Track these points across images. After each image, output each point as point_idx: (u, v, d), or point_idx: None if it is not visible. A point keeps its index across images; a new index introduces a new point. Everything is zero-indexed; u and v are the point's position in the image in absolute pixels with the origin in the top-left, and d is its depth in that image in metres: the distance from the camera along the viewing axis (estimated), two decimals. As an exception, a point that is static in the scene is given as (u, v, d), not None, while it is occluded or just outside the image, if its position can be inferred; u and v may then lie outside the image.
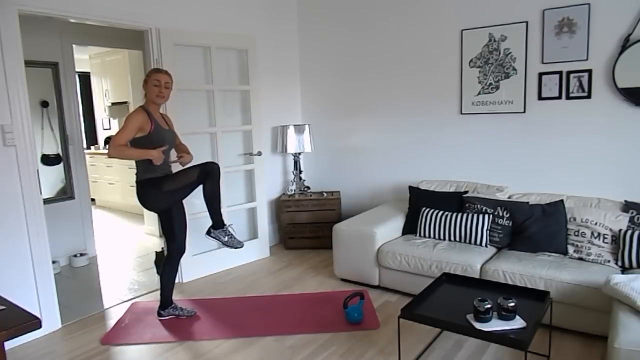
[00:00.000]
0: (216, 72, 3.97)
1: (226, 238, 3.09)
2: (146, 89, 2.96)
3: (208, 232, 3.11)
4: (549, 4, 3.36)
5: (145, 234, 5.60)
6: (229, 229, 3.12)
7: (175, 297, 3.56)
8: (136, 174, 2.98)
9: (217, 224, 3.10)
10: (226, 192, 4.14)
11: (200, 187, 3.02)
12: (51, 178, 4.36)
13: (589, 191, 3.33)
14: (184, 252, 3.18)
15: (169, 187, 2.94)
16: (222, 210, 3.14)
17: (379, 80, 4.36)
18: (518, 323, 2.11)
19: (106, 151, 7.29)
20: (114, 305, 3.48)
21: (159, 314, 3.19)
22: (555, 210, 3.14)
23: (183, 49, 3.77)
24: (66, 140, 4.43)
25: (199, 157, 4.00)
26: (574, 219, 3.06)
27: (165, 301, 3.18)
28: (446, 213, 3.49)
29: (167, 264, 3.15)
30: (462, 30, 3.79)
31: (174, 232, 3.10)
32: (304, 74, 4.91)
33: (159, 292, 3.74)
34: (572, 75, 3.33)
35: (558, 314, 2.67)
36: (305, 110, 4.98)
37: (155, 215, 5.39)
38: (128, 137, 2.79)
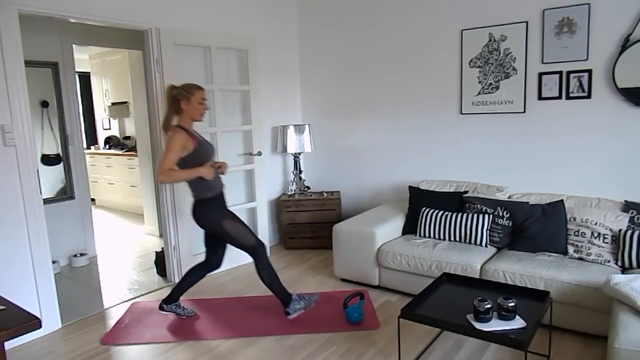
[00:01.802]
0: (216, 72, 3.97)
1: (302, 303, 3.05)
2: (187, 106, 2.86)
3: (287, 314, 3.04)
4: (549, 4, 3.36)
5: (145, 234, 5.59)
6: (296, 296, 3.07)
7: (175, 297, 3.57)
8: (192, 193, 2.94)
9: (286, 301, 3.03)
10: (226, 192, 4.14)
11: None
12: (51, 178, 4.36)
13: (589, 191, 3.33)
14: (263, 246, 3.02)
15: (226, 227, 2.92)
16: (282, 285, 3.06)
17: (379, 80, 4.36)
18: (518, 323, 2.11)
19: (106, 151, 7.36)
20: (114, 305, 3.48)
21: (161, 307, 3.17)
22: (555, 210, 3.14)
23: (183, 49, 3.77)
24: (66, 140, 4.43)
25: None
26: (574, 219, 3.06)
27: (174, 297, 3.15)
28: (446, 213, 3.49)
29: (261, 268, 3.01)
30: (462, 30, 3.79)
31: (215, 248, 3.09)
32: (304, 73, 4.91)
33: (159, 292, 3.75)
34: (572, 75, 3.33)
35: (558, 314, 2.67)
36: (305, 110, 4.98)
37: (155, 215, 5.42)
38: (173, 159, 2.75)
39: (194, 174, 2.80)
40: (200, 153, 2.87)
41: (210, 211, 2.94)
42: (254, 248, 2.96)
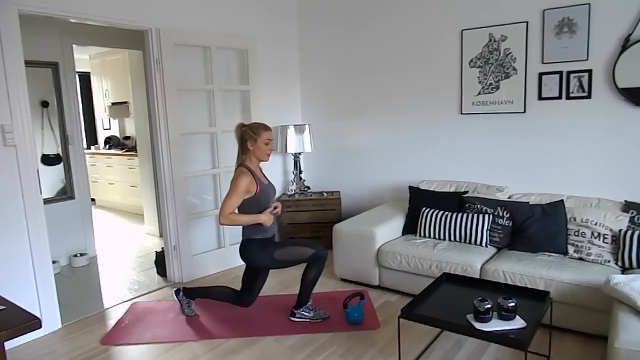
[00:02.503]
0: (216, 72, 3.97)
1: (311, 313, 3.05)
2: (253, 146, 2.87)
3: (292, 314, 3.07)
4: (549, 4, 3.36)
5: (145, 234, 5.59)
6: (311, 304, 3.08)
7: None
8: (243, 232, 2.96)
9: (301, 305, 3.06)
10: (226, 192, 4.15)
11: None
12: (51, 178, 4.36)
13: (589, 191, 3.32)
14: (323, 252, 2.99)
15: (280, 257, 2.93)
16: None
17: (379, 80, 4.36)
18: (518, 323, 2.11)
19: (106, 151, 7.36)
20: (114, 305, 3.47)
21: (177, 292, 3.19)
22: (555, 210, 3.14)
23: (183, 49, 3.77)
24: (66, 140, 4.43)
25: (200, 156, 4.01)
26: (574, 219, 3.05)
27: (193, 294, 3.17)
28: (446, 213, 3.49)
29: (312, 268, 2.99)
30: (462, 30, 3.79)
31: (253, 287, 3.09)
32: (304, 73, 4.90)
33: (159, 292, 3.76)
34: (572, 75, 3.33)
35: (558, 314, 2.67)
36: (305, 110, 4.97)
37: (155, 215, 5.42)
38: (236, 203, 2.78)
39: (254, 220, 2.83)
40: (261, 198, 2.88)
41: (258, 251, 2.94)
42: (313, 257, 2.94)
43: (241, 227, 2.98)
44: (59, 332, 3.07)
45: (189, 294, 3.17)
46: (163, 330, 3.03)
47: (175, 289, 3.22)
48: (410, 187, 3.90)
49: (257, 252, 2.94)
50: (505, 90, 3.64)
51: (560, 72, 3.38)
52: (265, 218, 2.85)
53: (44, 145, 4.30)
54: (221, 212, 2.76)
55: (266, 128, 2.92)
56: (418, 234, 3.58)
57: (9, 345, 2.12)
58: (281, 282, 3.78)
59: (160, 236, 5.21)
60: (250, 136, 2.87)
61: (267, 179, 3.07)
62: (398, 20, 4.15)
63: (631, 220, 2.97)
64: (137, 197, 6.42)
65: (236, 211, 2.84)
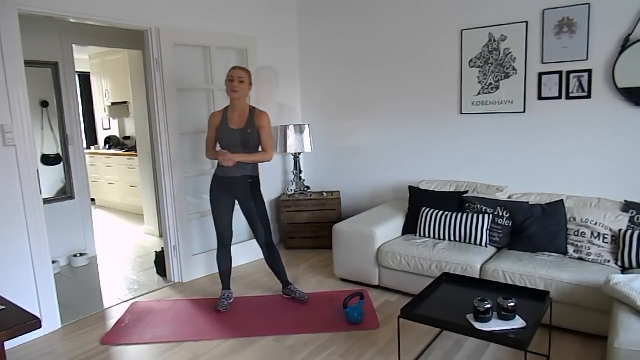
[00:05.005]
0: (216, 72, 3.98)
1: (223, 303, 3.31)
2: None
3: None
4: (549, 4, 3.36)
5: (145, 234, 5.59)
6: (225, 294, 3.38)
7: (175, 297, 3.58)
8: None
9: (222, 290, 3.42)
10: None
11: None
12: (51, 178, 4.36)
13: (589, 191, 3.33)
14: (220, 243, 3.37)
15: (211, 202, 3.31)
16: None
17: (379, 80, 4.36)
18: (518, 323, 2.11)
19: (106, 151, 7.37)
20: (114, 305, 3.47)
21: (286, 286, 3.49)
22: (555, 210, 3.14)
23: (183, 49, 3.77)
24: (66, 140, 4.43)
25: (200, 156, 4.01)
26: (574, 219, 3.06)
27: (284, 282, 3.49)
28: (446, 213, 3.49)
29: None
30: (462, 30, 3.79)
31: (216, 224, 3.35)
32: (304, 73, 4.90)
33: (158, 292, 3.76)
34: (572, 75, 3.33)
35: (558, 314, 2.67)
36: (305, 110, 4.97)
37: (155, 215, 5.43)
38: (209, 137, 3.23)
39: (213, 156, 3.23)
40: (217, 135, 3.20)
41: (211, 185, 3.29)
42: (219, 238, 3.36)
43: None
44: (59, 332, 3.07)
45: (286, 284, 3.44)
46: (163, 330, 3.03)
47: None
48: (410, 187, 3.90)
49: (211, 185, 3.29)
50: (505, 90, 3.64)
51: (560, 72, 3.38)
52: (217, 155, 3.12)
53: (44, 145, 4.30)
54: None
55: (234, 67, 3.15)
56: (418, 234, 3.58)
57: (9, 345, 2.12)
58: (280, 283, 3.77)
59: (160, 236, 5.21)
60: None
61: (243, 124, 3.17)
62: (398, 21, 4.15)
63: (631, 220, 2.97)
64: (137, 197, 6.42)
65: (218, 148, 3.21)
